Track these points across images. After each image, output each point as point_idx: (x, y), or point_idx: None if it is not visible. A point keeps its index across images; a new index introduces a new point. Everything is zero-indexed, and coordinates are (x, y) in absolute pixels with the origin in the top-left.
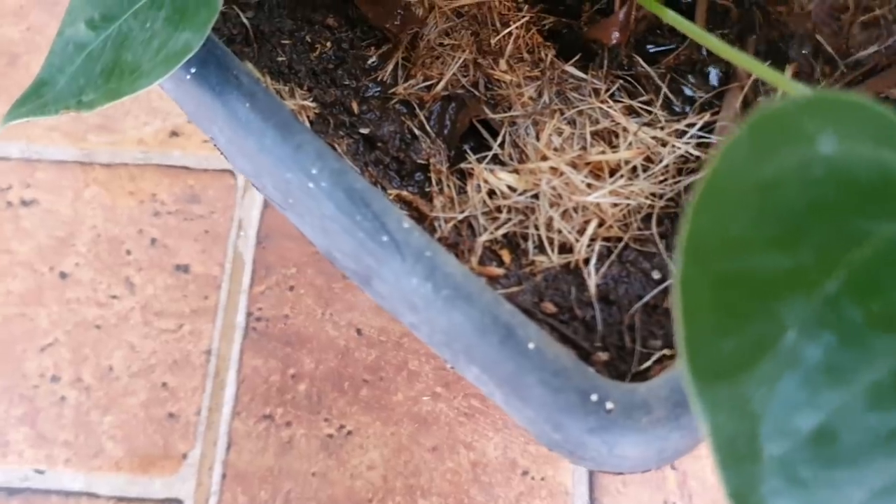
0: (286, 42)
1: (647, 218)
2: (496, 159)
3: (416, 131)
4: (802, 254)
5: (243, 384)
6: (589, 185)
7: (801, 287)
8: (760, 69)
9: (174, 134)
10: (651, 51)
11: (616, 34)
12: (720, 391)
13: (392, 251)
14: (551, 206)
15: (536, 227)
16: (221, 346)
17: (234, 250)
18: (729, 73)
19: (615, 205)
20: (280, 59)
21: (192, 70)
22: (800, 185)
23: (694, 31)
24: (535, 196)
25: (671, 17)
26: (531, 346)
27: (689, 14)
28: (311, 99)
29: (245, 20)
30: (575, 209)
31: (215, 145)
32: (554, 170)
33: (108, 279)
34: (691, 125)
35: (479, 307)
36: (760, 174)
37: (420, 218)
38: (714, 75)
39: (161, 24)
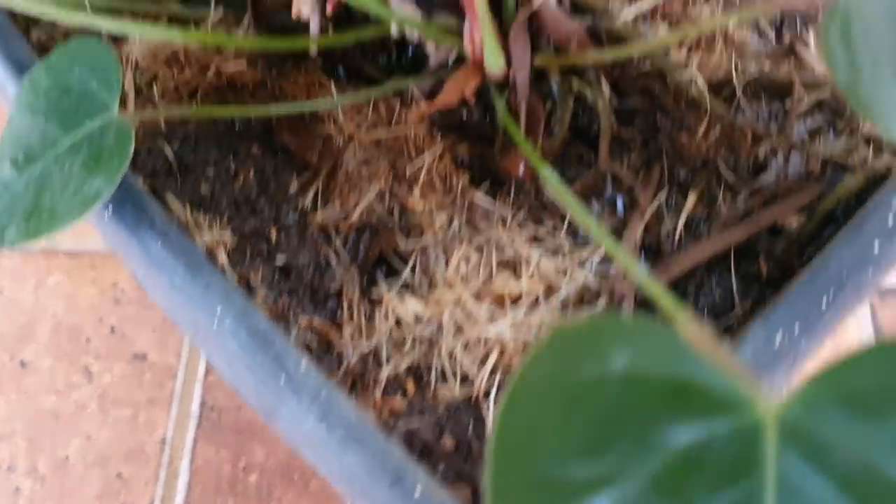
0: (210, 172)
1: None
2: (407, 286)
3: (332, 259)
4: (606, 462)
5: (196, 475)
6: (491, 317)
7: (606, 491)
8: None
9: None
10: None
11: (523, 167)
12: None
13: (289, 392)
14: (454, 336)
15: (440, 358)
16: (175, 436)
17: (191, 340)
18: (634, 200)
19: (516, 336)
20: (203, 189)
21: (110, 209)
22: (599, 398)
23: (569, 202)
24: (440, 326)
25: (548, 175)
26: (417, 493)
27: (596, 140)
28: (229, 230)
29: (170, 153)
30: (477, 340)
31: (135, 278)
32: (457, 300)
33: (66, 367)
34: (592, 254)
35: (371, 450)
36: (561, 387)
37: (329, 348)
38: (620, 203)
39: (78, 169)
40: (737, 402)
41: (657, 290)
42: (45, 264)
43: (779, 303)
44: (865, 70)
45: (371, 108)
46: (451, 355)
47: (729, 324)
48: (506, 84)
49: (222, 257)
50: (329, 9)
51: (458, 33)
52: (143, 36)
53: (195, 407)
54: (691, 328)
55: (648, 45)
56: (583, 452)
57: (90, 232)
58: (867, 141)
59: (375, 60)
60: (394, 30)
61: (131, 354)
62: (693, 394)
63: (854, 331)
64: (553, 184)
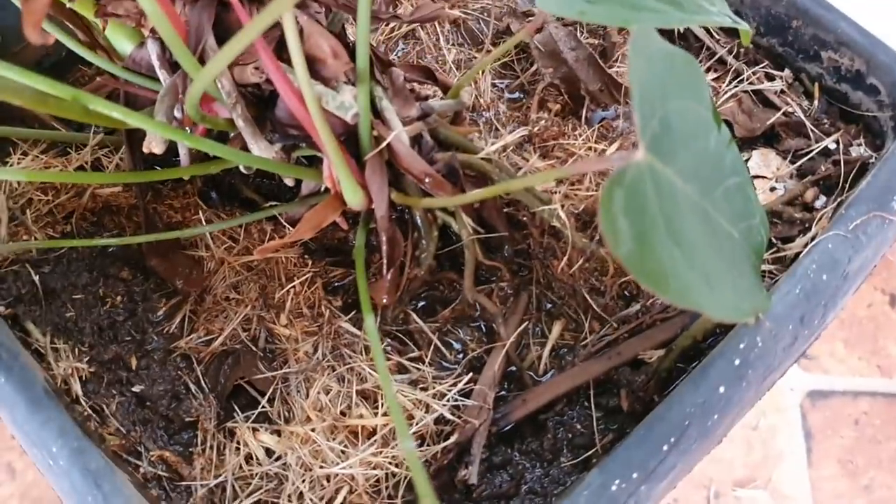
0: (77, 297)
1: (398, 485)
2: (265, 417)
3: (191, 387)
4: None
5: None
6: (343, 451)
7: None
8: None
9: None
10: (424, 304)
11: (385, 297)
12: None
13: None
14: (303, 475)
15: (287, 497)
16: None
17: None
18: (497, 331)
19: (366, 473)
20: (68, 314)
21: None
22: None
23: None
24: (288, 465)
25: (369, 325)
26: None
27: (462, 268)
28: (86, 359)
29: (36, 278)
30: (325, 478)
31: None
32: (306, 438)
33: None
34: (452, 387)
35: None
36: None
37: (178, 480)
38: (486, 329)
39: None
40: None
41: (421, 478)
42: None
43: (617, 452)
44: (655, 239)
45: (244, 233)
46: (297, 493)
47: (589, 458)
48: (371, 213)
49: (76, 386)
50: (197, 135)
51: (320, 166)
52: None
53: None
54: None
55: (491, 190)
56: None
57: None
58: None
59: (255, 183)
60: (243, 169)
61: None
62: None
63: (784, 435)
64: (369, 334)
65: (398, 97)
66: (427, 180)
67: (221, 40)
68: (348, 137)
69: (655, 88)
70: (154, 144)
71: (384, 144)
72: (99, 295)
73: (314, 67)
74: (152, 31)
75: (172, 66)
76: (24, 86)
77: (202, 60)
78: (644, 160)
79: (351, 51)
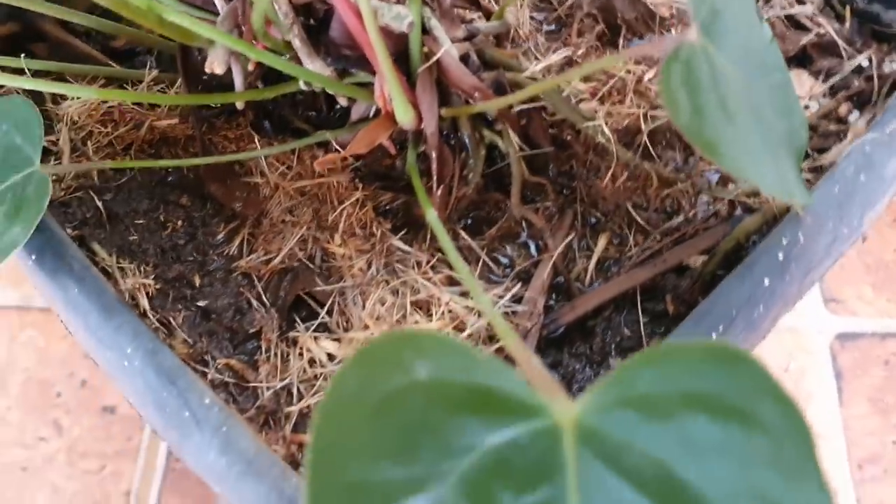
0: (140, 221)
1: None
2: (325, 327)
3: (253, 302)
4: (415, 466)
5: None
6: None
7: (417, 493)
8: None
9: None
10: (471, 223)
11: (436, 212)
12: None
13: (192, 426)
14: None
15: None
16: (141, 488)
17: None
18: (545, 244)
19: None
20: (131, 238)
21: (33, 256)
22: (406, 406)
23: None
24: None
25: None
26: None
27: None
28: (152, 277)
29: (100, 204)
30: None
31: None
32: (368, 340)
33: (36, 421)
34: (501, 296)
35: (267, 482)
36: (370, 398)
37: (244, 385)
38: (533, 246)
39: (2, 217)
40: (535, 407)
41: (496, 318)
42: (17, 320)
43: (668, 338)
44: (710, 112)
45: (296, 160)
46: None
47: None
48: (420, 134)
49: (144, 301)
50: (251, 66)
51: (371, 88)
52: (75, 95)
53: (161, 459)
54: (513, 344)
55: (539, 87)
56: (394, 457)
57: None
58: None
59: (304, 113)
60: (302, 85)
61: (100, 407)
62: (494, 401)
63: (814, 376)
64: (434, 226)
65: (445, 18)
66: (476, 94)
67: None
68: (399, 57)
69: None
70: (217, 64)
71: (435, 59)
72: (160, 220)
73: None
74: None
75: None
76: None
77: None
78: (697, 40)
79: None
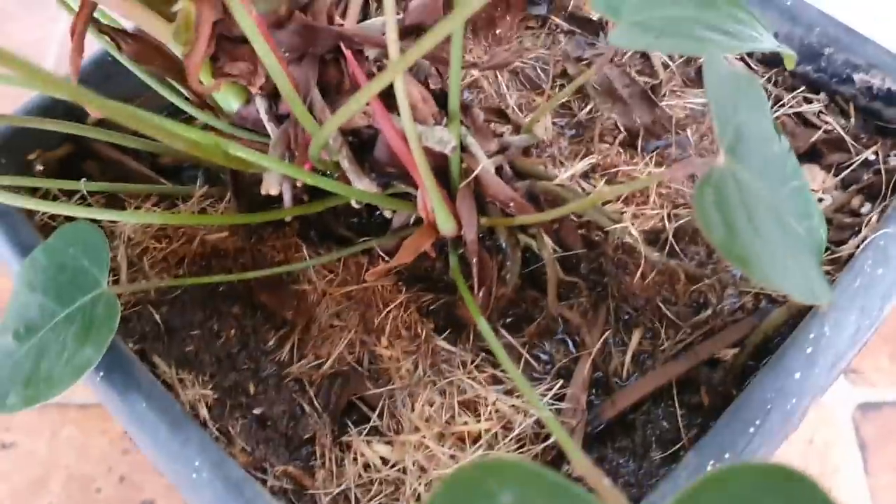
0: (195, 332)
1: None
2: (375, 430)
3: (305, 407)
4: None
5: None
6: (452, 456)
7: None
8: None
9: None
10: (511, 321)
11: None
12: None
13: None
14: (417, 478)
15: (405, 498)
16: None
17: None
18: (582, 340)
19: None
20: (188, 349)
21: (101, 374)
22: None
23: (495, 348)
24: (404, 470)
25: (482, 325)
26: None
27: (543, 287)
28: (211, 386)
29: (158, 318)
30: (439, 479)
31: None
32: (420, 444)
33: None
34: (545, 394)
35: None
36: None
37: (302, 491)
38: (570, 342)
39: (71, 339)
40: None
41: (565, 439)
42: (58, 417)
43: (708, 436)
44: (740, 230)
45: (342, 266)
46: (415, 495)
47: (677, 451)
48: (459, 240)
49: (203, 412)
50: (299, 182)
51: (414, 199)
52: (132, 221)
53: None
54: (581, 461)
55: (576, 206)
56: None
57: None
58: None
59: (347, 221)
60: (354, 203)
61: (140, 502)
62: None
63: (839, 447)
64: (485, 333)
65: (479, 134)
66: (512, 205)
67: (323, 93)
68: (438, 172)
69: (728, 103)
70: (272, 186)
71: (475, 174)
72: (214, 330)
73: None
74: (261, 88)
75: (278, 119)
76: (180, 136)
77: (310, 111)
78: (725, 163)
79: (435, 96)
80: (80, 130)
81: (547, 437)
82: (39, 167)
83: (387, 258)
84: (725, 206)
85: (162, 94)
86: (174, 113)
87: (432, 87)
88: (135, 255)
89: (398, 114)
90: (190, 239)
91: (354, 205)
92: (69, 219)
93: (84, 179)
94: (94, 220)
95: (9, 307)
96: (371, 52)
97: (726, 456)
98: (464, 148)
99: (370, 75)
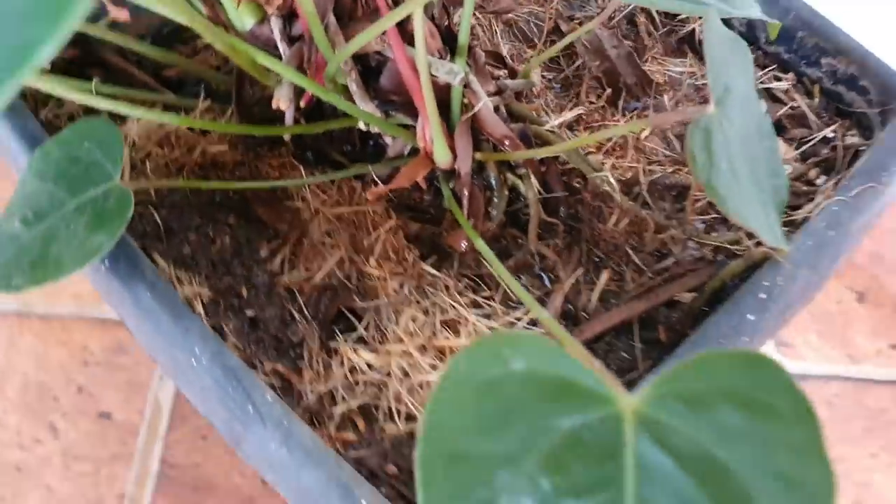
0: (192, 236)
1: None
2: (361, 340)
3: (295, 314)
4: (508, 441)
5: None
6: (433, 366)
7: (508, 465)
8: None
9: None
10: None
11: (464, 243)
12: None
13: (256, 420)
14: (400, 382)
15: (388, 400)
16: (135, 491)
17: (155, 399)
18: (556, 276)
19: None
20: (185, 250)
21: (107, 263)
22: (503, 392)
23: (500, 271)
24: (388, 374)
25: (482, 248)
26: (363, 502)
27: (527, 225)
28: (206, 286)
29: (158, 219)
30: (420, 385)
31: (124, 323)
32: (405, 352)
33: (33, 424)
34: (520, 318)
35: (324, 469)
36: (473, 384)
37: (289, 388)
38: (545, 277)
39: (82, 227)
40: (605, 398)
41: (561, 333)
42: (17, 326)
43: (665, 363)
44: (720, 170)
45: (335, 189)
46: (397, 397)
47: (633, 379)
48: (452, 173)
49: (199, 308)
50: (303, 103)
51: (412, 130)
52: (143, 118)
53: (155, 464)
54: (576, 348)
55: (567, 145)
56: (491, 433)
57: (62, 296)
58: (749, 234)
59: (340, 148)
60: (361, 125)
61: (97, 413)
62: (574, 390)
63: None
64: (486, 255)
65: (480, 74)
66: (506, 143)
67: (337, 18)
68: (440, 105)
69: (721, 62)
70: (283, 101)
71: (476, 109)
72: (210, 236)
73: (412, 42)
74: (278, 8)
75: (290, 40)
76: (221, 36)
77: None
78: (714, 112)
79: (441, 33)
80: (92, 29)
81: None
82: (46, 67)
83: (380, 184)
84: (711, 149)
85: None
86: (175, 32)
87: (437, 24)
88: (138, 159)
89: (409, 45)
90: (191, 149)
91: (361, 126)
92: (71, 119)
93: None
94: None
95: (15, 195)
96: None
97: None
98: (465, 84)
99: (388, 5)
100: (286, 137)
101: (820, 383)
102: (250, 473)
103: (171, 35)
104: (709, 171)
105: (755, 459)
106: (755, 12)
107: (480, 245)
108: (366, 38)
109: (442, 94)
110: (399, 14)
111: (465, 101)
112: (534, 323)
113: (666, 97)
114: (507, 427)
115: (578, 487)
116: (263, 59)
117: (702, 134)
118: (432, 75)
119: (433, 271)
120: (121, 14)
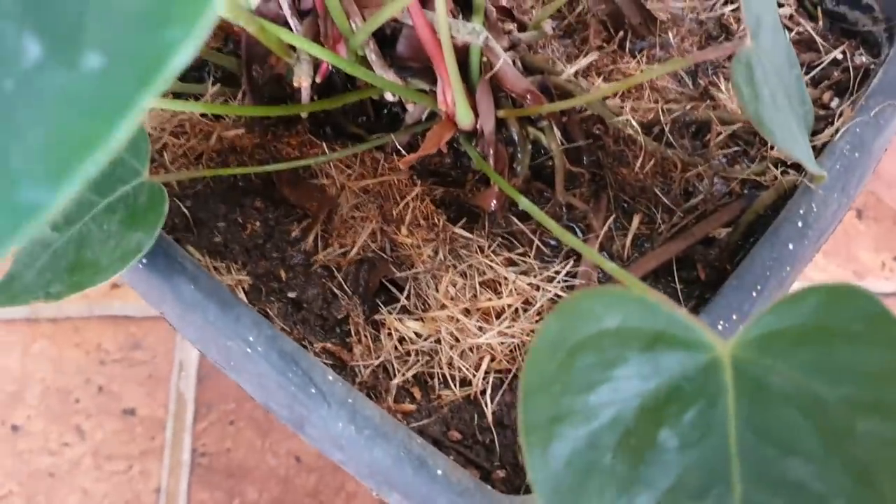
0: (221, 224)
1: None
2: (404, 309)
3: (336, 291)
4: (609, 397)
5: None
6: (480, 328)
7: (611, 421)
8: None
9: (115, 286)
10: (521, 211)
11: (493, 202)
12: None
13: (319, 401)
14: (451, 347)
15: (440, 367)
16: (170, 484)
17: (177, 391)
18: (588, 225)
19: (503, 343)
20: (216, 239)
21: (144, 261)
22: (599, 347)
23: (546, 221)
24: (438, 340)
25: (526, 203)
26: (439, 472)
27: (551, 178)
28: (245, 273)
29: (185, 210)
30: (470, 349)
31: (166, 318)
32: (451, 317)
33: (58, 428)
34: (558, 272)
35: (395, 443)
36: (570, 344)
37: (342, 366)
38: (576, 228)
39: (116, 226)
40: (702, 344)
41: (627, 276)
42: (29, 332)
43: (716, 300)
44: (765, 102)
45: (358, 162)
46: (449, 363)
47: None
48: (474, 134)
49: (242, 296)
50: (319, 78)
51: (432, 94)
52: (156, 108)
53: (186, 455)
54: (662, 299)
55: (591, 96)
56: (591, 390)
57: (70, 298)
58: (775, 163)
59: (356, 120)
60: (388, 96)
61: (120, 410)
62: (670, 340)
63: None
64: (531, 210)
65: (493, 30)
66: (528, 97)
67: None
68: (459, 66)
69: None
70: (303, 78)
71: (497, 68)
72: (238, 222)
73: (429, 7)
74: None
75: (301, 14)
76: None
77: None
78: (751, 45)
79: None
80: None
81: None
82: None
83: (402, 152)
84: (753, 82)
85: None
86: None
87: None
88: (155, 152)
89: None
90: (207, 136)
91: (388, 97)
92: None
93: None
94: None
95: None
96: None
97: (733, 317)
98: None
99: None
100: (303, 115)
101: None
102: (283, 453)
103: None
104: (756, 104)
105: (851, 390)
106: None
107: (525, 203)
108: (395, 7)
109: (461, 55)
110: None
111: (484, 59)
112: (573, 275)
113: (671, 34)
114: (606, 383)
115: (682, 438)
116: (288, 37)
117: (744, 68)
118: (452, 37)
119: (465, 233)
120: None
